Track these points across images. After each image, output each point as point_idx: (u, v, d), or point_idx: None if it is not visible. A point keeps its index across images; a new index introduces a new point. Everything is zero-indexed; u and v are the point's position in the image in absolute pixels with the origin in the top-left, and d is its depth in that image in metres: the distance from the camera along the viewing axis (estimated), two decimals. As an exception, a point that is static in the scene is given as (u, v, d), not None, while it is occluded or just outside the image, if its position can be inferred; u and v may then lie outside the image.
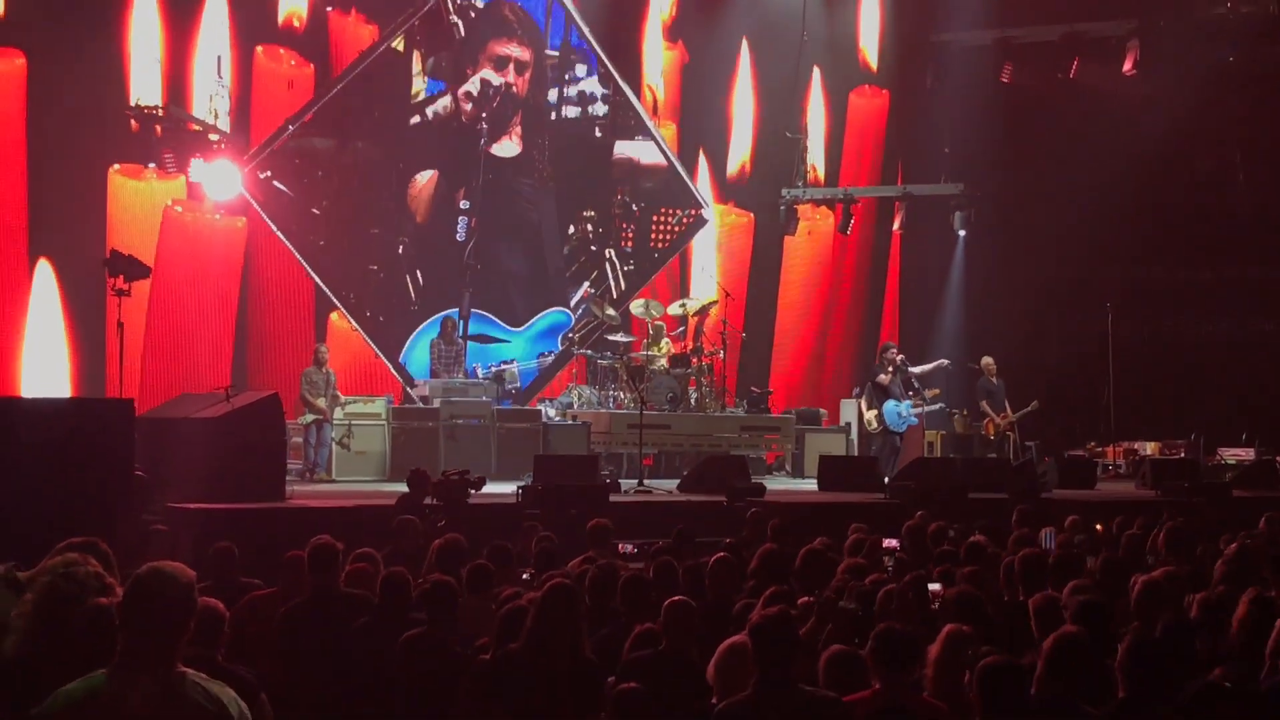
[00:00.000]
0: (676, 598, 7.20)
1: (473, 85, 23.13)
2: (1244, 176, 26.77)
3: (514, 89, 23.42)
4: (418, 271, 22.79)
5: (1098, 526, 12.71)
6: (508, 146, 23.49)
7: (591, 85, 24.30)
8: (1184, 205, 26.14)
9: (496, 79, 23.23)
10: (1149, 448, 23.52)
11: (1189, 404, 24.73)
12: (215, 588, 8.65)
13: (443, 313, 22.24)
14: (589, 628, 7.20)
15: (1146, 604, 7.43)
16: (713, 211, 25.33)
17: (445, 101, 23.08)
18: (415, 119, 22.95)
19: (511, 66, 23.38)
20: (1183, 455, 22.36)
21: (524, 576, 9.52)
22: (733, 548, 10.16)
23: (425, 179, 22.92)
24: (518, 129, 23.53)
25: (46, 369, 19.60)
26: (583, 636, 6.90)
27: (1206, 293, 26.57)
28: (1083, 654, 5.97)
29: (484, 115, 23.21)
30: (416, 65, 22.98)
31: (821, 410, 23.41)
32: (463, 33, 23.16)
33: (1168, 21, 25.37)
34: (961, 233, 25.29)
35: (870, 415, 21.49)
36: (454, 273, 23.12)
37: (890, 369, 21.43)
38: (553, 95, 24.06)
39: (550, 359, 23.64)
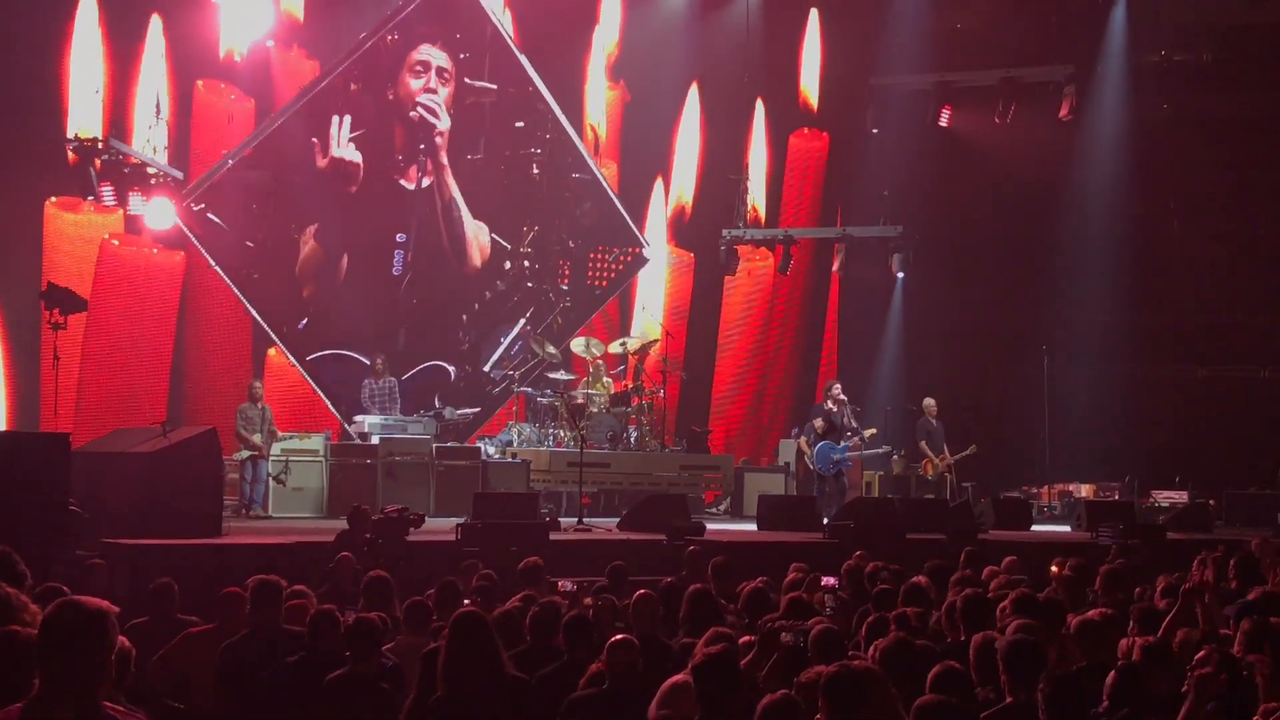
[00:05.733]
0: (619, 637, 7.19)
1: (411, 116, 23.09)
2: (1178, 223, 27.08)
3: (441, 104, 23.30)
4: (353, 306, 22.67)
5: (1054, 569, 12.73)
6: (441, 179, 23.40)
7: (530, 121, 24.32)
8: (1118, 250, 26.39)
9: (432, 118, 23.17)
10: (1083, 489, 23.70)
11: (1123, 447, 24.91)
12: (154, 623, 8.58)
13: (375, 349, 22.15)
14: (531, 666, 7.18)
15: (1084, 642, 7.51)
16: (660, 251, 25.41)
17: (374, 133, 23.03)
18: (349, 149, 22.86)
19: (433, 74, 23.27)
20: (1117, 497, 22.55)
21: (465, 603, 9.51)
22: (671, 586, 10.15)
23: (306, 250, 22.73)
24: (447, 166, 23.42)
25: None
26: (500, 659, 6.89)
27: (1141, 337, 26.78)
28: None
29: (420, 147, 23.16)
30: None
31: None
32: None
33: (1104, 68, 25.71)
34: (900, 275, 25.43)
35: (811, 453, 21.55)
36: (390, 307, 23.05)
37: (833, 406, 21.50)
38: (489, 128, 24.05)
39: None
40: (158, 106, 21.06)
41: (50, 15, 20.42)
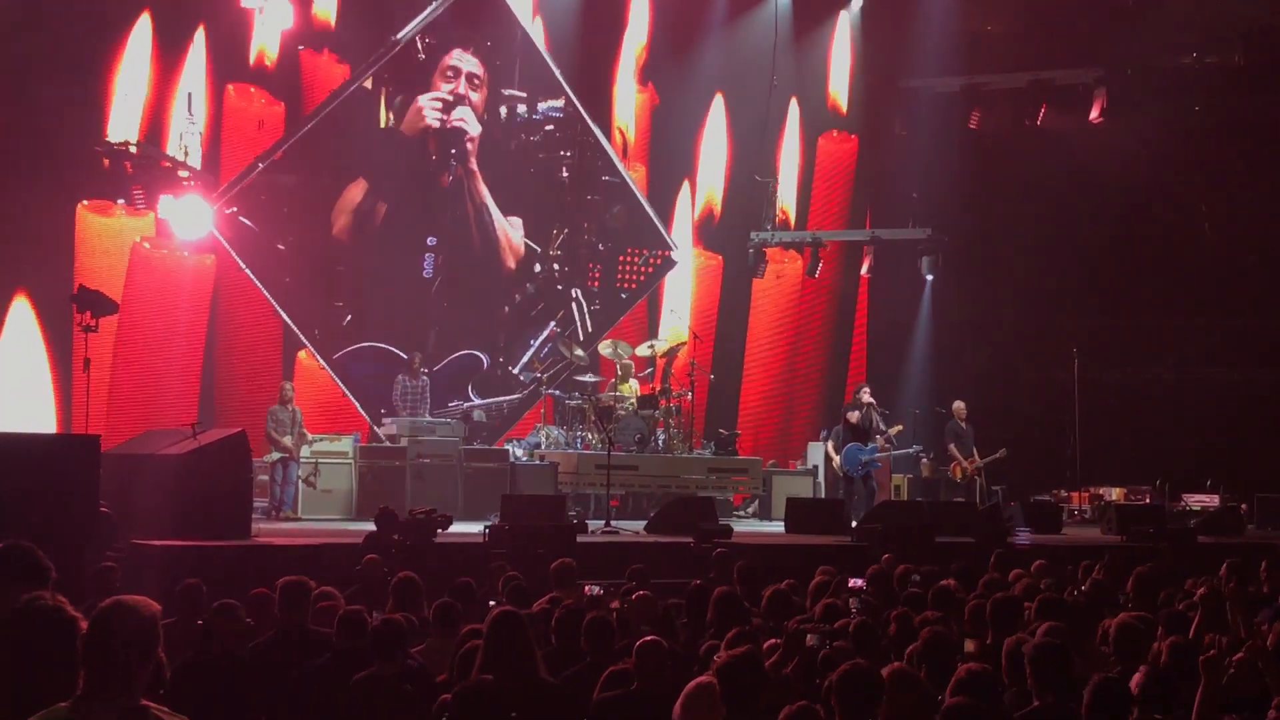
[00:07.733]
0: (648, 638, 7.19)
1: (433, 119, 23.10)
2: (1209, 225, 26.94)
3: (472, 109, 23.32)
4: (384, 308, 22.74)
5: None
6: (473, 184, 23.42)
7: (559, 124, 24.33)
8: (1149, 253, 26.30)
9: (462, 118, 23.20)
10: (1114, 493, 23.59)
11: (1154, 450, 24.80)
12: (182, 624, 8.61)
13: (409, 349, 22.18)
14: (556, 668, 7.18)
15: (1122, 645, 7.47)
16: (689, 254, 25.40)
17: (407, 134, 23.06)
18: (381, 152, 22.88)
19: (463, 80, 23.30)
20: (1148, 501, 22.44)
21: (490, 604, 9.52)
22: (698, 589, 10.13)
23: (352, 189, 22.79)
24: (478, 172, 23.43)
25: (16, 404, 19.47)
26: (536, 658, 6.91)
27: (1172, 340, 26.68)
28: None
29: (452, 152, 23.20)
30: (383, 103, 22.94)
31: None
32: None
33: (1134, 71, 25.59)
34: (929, 277, 25.38)
35: (838, 457, 21.49)
36: (420, 310, 23.09)
37: (862, 408, 21.43)
38: (519, 133, 24.07)
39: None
40: (190, 110, 21.13)
41: (105, 26, 20.56)
